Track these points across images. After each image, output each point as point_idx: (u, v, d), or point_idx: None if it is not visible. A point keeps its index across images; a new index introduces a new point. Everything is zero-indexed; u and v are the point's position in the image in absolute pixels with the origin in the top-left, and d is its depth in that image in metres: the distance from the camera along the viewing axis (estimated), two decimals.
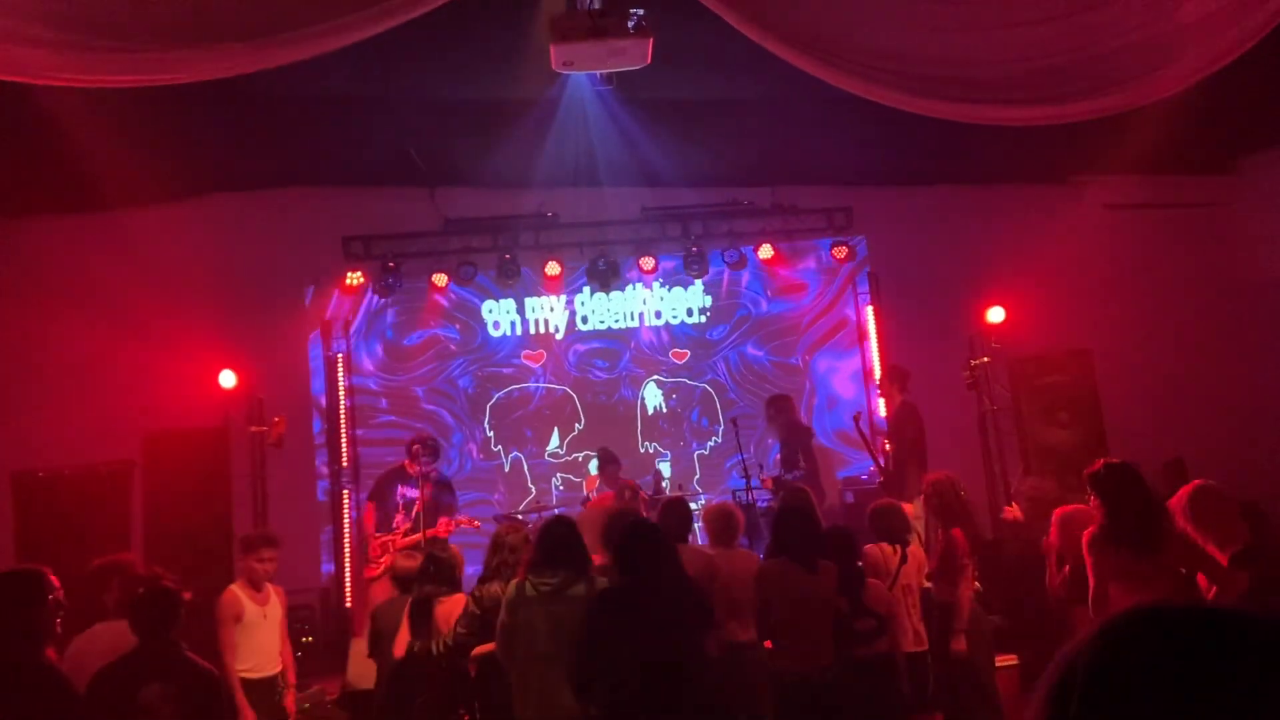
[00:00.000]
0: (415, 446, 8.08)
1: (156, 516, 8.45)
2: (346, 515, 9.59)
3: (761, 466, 8.90)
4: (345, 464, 9.74)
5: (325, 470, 9.78)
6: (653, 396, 10.37)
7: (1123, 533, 4.29)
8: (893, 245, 10.15)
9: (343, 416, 9.78)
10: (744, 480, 8.30)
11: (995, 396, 8.09)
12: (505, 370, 10.24)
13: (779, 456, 8.85)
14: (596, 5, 5.04)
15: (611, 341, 10.39)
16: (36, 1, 4.54)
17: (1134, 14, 5.49)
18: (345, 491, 9.69)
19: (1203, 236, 9.65)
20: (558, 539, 4.72)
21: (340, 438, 9.72)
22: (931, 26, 5.59)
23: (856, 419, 8.34)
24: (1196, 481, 4.78)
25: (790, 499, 6.24)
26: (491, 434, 10.12)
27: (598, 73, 5.95)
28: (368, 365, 10.08)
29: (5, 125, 6.74)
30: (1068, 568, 5.46)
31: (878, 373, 10.02)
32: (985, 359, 7.93)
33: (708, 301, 10.47)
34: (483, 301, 10.23)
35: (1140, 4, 5.51)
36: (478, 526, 8.05)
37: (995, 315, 8.43)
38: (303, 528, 9.29)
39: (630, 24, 4.83)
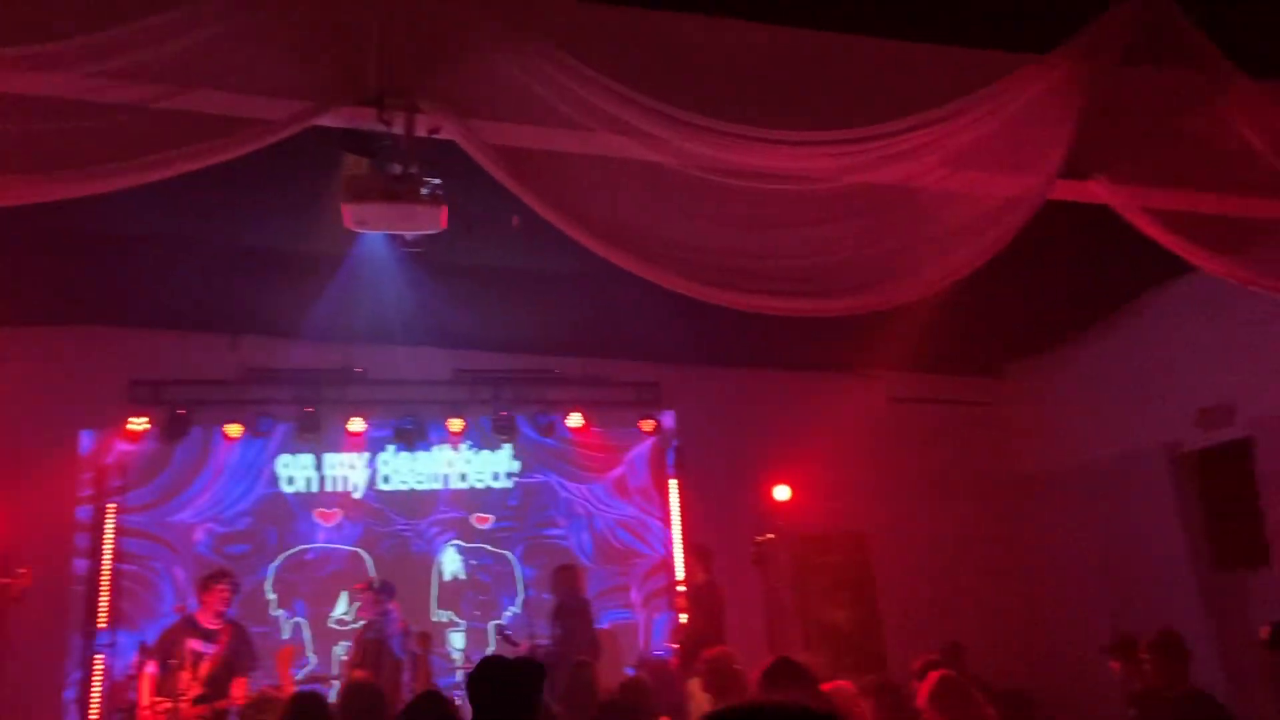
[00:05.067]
0: (220, 584, 7.01)
1: None
2: (97, 680, 8.72)
3: (533, 635, 8.63)
4: (104, 624, 8.92)
5: (78, 629, 8.92)
6: (451, 562, 10.07)
7: None
8: (697, 421, 10.47)
9: (105, 570, 9.01)
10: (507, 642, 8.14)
11: (779, 573, 8.32)
12: (295, 528, 9.75)
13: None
14: (398, 170, 5.17)
15: (411, 503, 10.11)
16: None
17: (904, 221, 6.12)
18: (100, 655, 8.84)
19: (975, 432, 10.44)
20: (301, 710, 4.51)
21: (99, 593, 8.92)
22: (720, 223, 6.02)
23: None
24: (941, 671, 5.04)
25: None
26: (274, 596, 9.53)
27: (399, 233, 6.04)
28: (143, 517, 9.39)
29: None
30: None
31: (679, 545, 10.14)
32: (770, 535, 8.18)
33: (515, 466, 10.41)
34: (278, 455, 9.84)
35: (907, 214, 6.16)
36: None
37: (781, 494, 8.78)
38: (46, 689, 8.53)
39: (424, 191, 4.97)
